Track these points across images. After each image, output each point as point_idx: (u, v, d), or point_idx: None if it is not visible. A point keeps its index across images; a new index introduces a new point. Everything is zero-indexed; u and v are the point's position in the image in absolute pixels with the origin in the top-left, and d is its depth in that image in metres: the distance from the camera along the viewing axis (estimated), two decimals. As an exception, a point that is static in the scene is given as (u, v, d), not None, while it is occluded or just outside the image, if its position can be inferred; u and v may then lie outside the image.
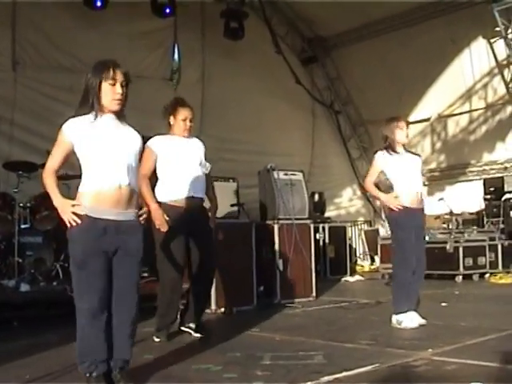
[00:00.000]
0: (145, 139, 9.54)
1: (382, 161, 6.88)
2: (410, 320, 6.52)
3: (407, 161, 6.88)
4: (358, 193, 17.27)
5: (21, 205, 8.45)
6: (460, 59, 14.45)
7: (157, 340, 6.04)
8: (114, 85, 4.14)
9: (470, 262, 11.74)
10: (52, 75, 12.09)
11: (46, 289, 7.83)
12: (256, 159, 12.99)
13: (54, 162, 4.40)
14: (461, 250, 11.69)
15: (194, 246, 6.07)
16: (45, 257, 8.55)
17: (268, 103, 14.85)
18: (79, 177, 9.75)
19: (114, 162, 4.14)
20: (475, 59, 14.28)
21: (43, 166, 8.97)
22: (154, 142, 6.13)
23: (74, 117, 4.20)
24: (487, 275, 11.99)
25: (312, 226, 9.44)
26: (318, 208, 13.99)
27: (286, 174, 9.30)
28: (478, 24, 13.68)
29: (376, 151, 7.05)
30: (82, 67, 12.31)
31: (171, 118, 6.21)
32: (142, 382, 4.47)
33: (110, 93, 4.14)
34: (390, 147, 6.85)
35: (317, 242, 11.70)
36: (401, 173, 6.82)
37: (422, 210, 6.95)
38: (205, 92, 13.96)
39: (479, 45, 14.15)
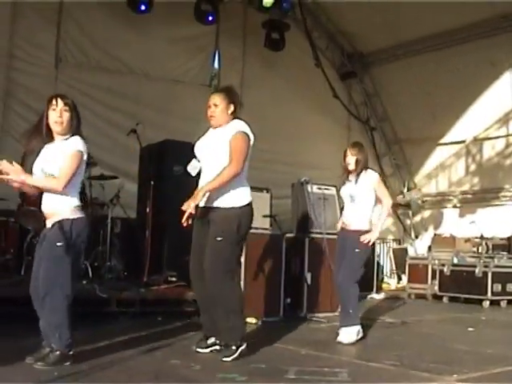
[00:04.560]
0: (180, 144, 9.71)
1: None
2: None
3: None
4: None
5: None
6: (499, 82, 14.32)
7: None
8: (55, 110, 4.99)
9: (498, 287, 11.61)
10: (92, 75, 12.27)
11: (76, 287, 7.89)
12: (289, 170, 13.05)
13: None
14: (490, 275, 11.58)
15: None
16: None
17: (304, 115, 14.84)
18: (115, 177, 9.91)
19: None
20: (515, 84, 14.15)
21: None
22: None
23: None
24: (515, 302, 11.87)
25: (342, 241, 9.42)
26: (348, 223, 13.92)
27: (319, 188, 9.32)
28: (519, 48, 13.56)
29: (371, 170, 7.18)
30: (122, 68, 12.53)
31: None
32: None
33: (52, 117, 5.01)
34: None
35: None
36: None
37: None
38: (242, 100, 13.94)
39: (519, 69, 14.02)
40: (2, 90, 11.27)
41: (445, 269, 12.38)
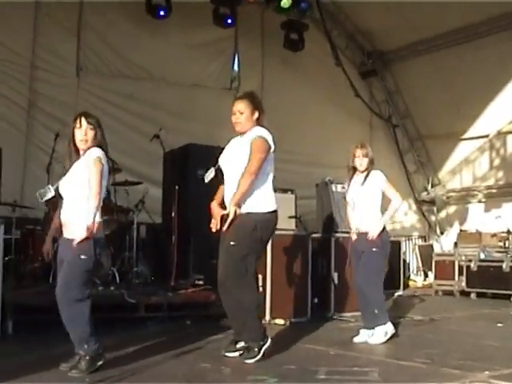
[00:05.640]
0: (203, 148, 9.76)
1: None
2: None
3: None
4: (414, 207, 17.10)
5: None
6: (522, 75, 14.20)
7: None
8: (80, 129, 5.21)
9: (526, 282, 11.52)
10: (113, 82, 12.36)
11: (105, 293, 7.98)
12: (312, 170, 13.05)
13: None
14: (517, 269, 11.50)
15: None
16: (102, 261, 8.65)
17: (326, 115, 14.84)
18: (139, 183, 9.95)
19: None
20: (538, 75, 14.01)
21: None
22: None
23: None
24: (544, 297, 11.76)
25: (367, 240, 9.40)
26: (372, 222, 13.89)
27: (343, 188, 9.28)
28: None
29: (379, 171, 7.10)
30: (143, 75, 12.59)
31: None
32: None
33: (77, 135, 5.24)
34: None
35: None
36: None
37: None
38: (263, 102, 13.94)
39: (543, 61, 13.87)
40: (25, 100, 11.40)
41: (472, 264, 12.32)
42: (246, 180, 5.63)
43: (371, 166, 7.00)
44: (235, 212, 5.58)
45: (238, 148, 5.90)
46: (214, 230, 5.84)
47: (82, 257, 4.95)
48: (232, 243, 5.64)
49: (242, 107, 5.92)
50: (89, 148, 5.18)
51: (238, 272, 5.65)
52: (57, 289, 5.01)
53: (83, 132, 5.16)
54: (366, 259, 6.81)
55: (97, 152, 5.15)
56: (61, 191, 5.24)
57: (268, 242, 6.18)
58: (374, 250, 6.79)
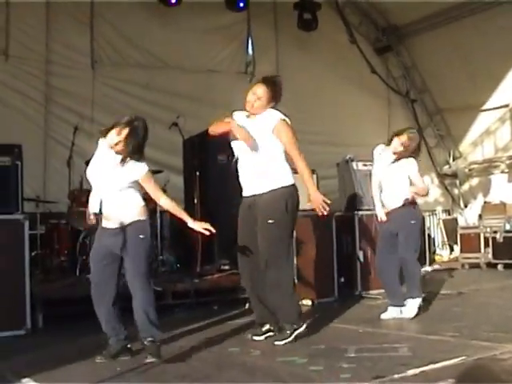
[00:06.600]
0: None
1: None
2: None
3: None
4: (436, 181, 16.98)
5: (103, 202, 8.64)
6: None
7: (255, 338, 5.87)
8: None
9: (553, 252, 11.46)
10: (129, 72, 12.33)
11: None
12: (332, 150, 12.98)
13: None
14: (543, 239, 11.43)
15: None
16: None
17: (343, 93, 14.74)
18: (159, 171, 9.94)
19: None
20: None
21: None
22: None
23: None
24: None
25: (391, 216, 9.38)
26: (395, 198, 13.83)
27: (364, 165, 9.26)
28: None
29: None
30: (158, 64, 12.56)
31: None
32: (227, 374, 4.54)
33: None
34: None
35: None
36: None
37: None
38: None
39: None
40: (42, 95, 11.43)
41: (497, 236, 12.26)
42: (302, 166, 5.78)
43: (404, 153, 6.92)
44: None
45: (253, 130, 5.84)
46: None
47: (141, 236, 4.99)
48: (270, 221, 5.63)
49: (260, 92, 5.87)
50: (129, 154, 5.19)
51: (281, 252, 5.67)
52: (127, 275, 5.07)
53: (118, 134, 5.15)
54: (408, 233, 6.79)
55: (145, 167, 5.28)
56: (96, 181, 5.24)
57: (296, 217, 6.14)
58: (412, 222, 6.78)
